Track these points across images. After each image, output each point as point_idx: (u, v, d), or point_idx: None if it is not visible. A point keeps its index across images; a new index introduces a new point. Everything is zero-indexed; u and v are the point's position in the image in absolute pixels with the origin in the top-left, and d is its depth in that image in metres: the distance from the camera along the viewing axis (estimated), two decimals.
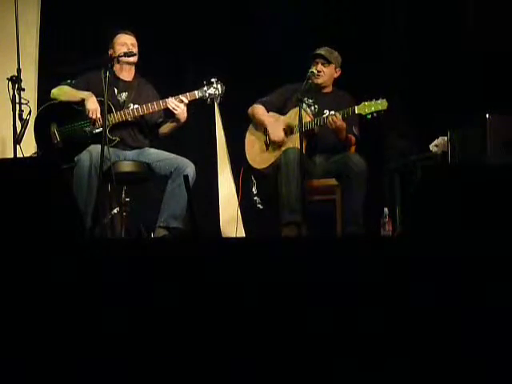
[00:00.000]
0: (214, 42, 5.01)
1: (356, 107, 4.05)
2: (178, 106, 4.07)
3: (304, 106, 4.23)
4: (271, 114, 4.31)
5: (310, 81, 4.13)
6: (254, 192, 4.30)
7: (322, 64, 4.26)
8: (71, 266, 2.05)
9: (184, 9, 5.02)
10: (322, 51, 4.27)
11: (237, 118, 4.79)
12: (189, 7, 5.02)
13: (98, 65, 4.15)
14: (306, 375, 1.96)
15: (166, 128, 4.28)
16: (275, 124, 4.24)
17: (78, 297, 2.02)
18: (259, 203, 4.28)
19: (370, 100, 4.02)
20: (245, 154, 4.38)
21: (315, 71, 4.22)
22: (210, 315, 2.01)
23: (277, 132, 4.21)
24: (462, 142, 4.09)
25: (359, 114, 4.07)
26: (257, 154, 4.32)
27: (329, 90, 4.36)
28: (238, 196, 4.54)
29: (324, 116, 4.14)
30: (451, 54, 4.77)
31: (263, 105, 4.34)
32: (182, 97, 4.08)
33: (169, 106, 4.08)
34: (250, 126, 4.40)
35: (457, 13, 4.84)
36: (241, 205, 4.55)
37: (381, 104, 4.01)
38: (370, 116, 4.02)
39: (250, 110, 4.37)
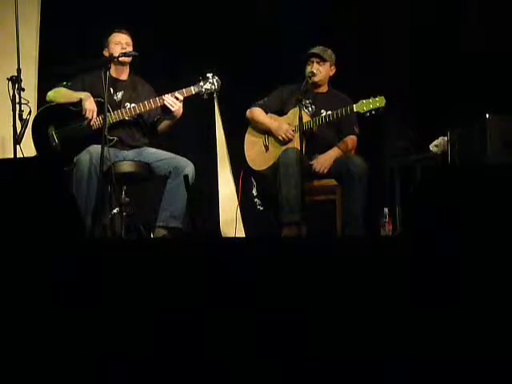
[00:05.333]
0: (214, 42, 5.01)
1: (354, 105, 4.05)
2: (175, 102, 4.06)
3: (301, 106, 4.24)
4: (270, 115, 4.31)
5: (311, 81, 4.13)
6: (254, 194, 4.30)
7: (318, 63, 4.26)
8: (71, 265, 2.05)
9: (184, 8, 5.02)
10: (316, 50, 4.26)
11: (237, 118, 4.79)
12: (188, 6, 5.02)
13: (94, 66, 4.15)
14: (306, 375, 1.96)
15: (163, 125, 4.27)
16: (277, 123, 4.24)
17: (78, 297, 2.02)
18: (259, 205, 4.28)
19: (368, 98, 4.02)
20: (244, 156, 4.38)
21: (315, 71, 4.22)
22: (209, 315, 2.01)
23: (282, 129, 4.19)
24: (462, 141, 4.09)
25: (357, 112, 4.07)
26: (256, 156, 4.32)
27: (324, 89, 4.36)
28: (238, 197, 4.54)
29: (322, 115, 4.15)
30: (451, 54, 4.77)
31: (261, 107, 4.34)
32: (177, 94, 4.07)
33: (166, 103, 4.07)
34: (249, 128, 4.39)
35: (459, 12, 4.84)
36: (241, 205, 4.54)
37: (378, 101, 4.01)
38: (368, 114, 4.02)
39: (248, 113, 4.36)
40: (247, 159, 4.35)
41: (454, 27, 4.83)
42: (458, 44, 4.78)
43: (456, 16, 4.85)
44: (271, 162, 4.19)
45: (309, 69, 4.24)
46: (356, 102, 4.09)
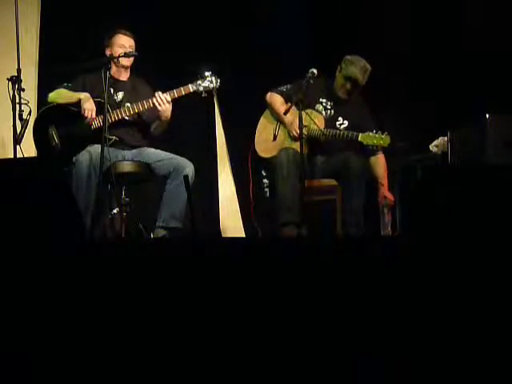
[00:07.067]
0: (215, 41, 5.01)
1: (360, 135, 4.07)
2: (163, 101, 4.05)
3: (321, 107, 4.25)
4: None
5: (311, 81, 4.10)
6: (264, 174, 4.28)
7: (354, 86, 4.24)
8: (71, 265, 2.05)
9: (184, 8, 5.02)
10: (360, 78, 4.19)
11: (237, 118, 4.79)
12: (189, 6, 5.02)
13: (94, 66, 4.16)
14: (305, 375, 1.96)
15: (155, 126, 4.26)
16: (292, 118, 4.17)
17: (78, 297, 2.02)
18: (267, 187, 4.25)
19: (376, 132, 4.06)
20: (248, 145, 4.34)
21: (342, 97, 4.23)
22: (209, 315, 2.01)
23: (294, 126, 4.14)
24: (462, 142, 4.09)
25: (360, 142, 4.09)
26: (263, 141, 4.30)
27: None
28: (238, 186, 4.49)
29: (332, 132, 4.13)
30: (451, 54, 4.77)
31: (282, 95, 4.29)
32: (166, 95, 4.06)
33: (154, 101, 4.06)
34: (266, 111, 4.35)
35: (458, 12, 4.84)
36: (253, 188, 4.46)
37: (383, 140, 4.05)
38: (370, 147, 4.10)
39: (268, 97, 4.32)
40: (255, 141, 4.33)
41: (453, 27, 4.83)
42: (458, 44, 4.78)
43: (456, 16, 4.85)
44: (274, 153, 4.18)
45: (343, 84, 4.22)
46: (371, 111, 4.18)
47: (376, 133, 4.06)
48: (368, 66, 4.22)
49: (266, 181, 4.27)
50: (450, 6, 4.84)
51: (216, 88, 4.16)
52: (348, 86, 4.22)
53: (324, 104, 4.27)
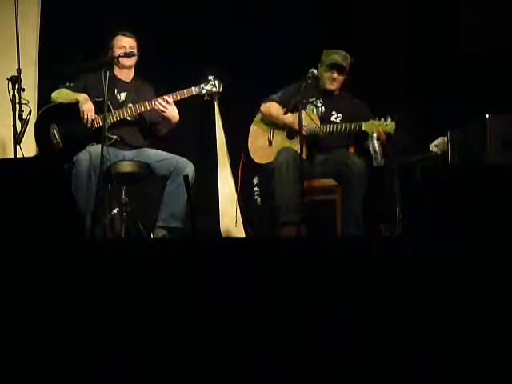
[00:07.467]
0: (215, 42, 5.01)
1: (363, 124, 4.05)
2: (165, 106, 4.07)
3: (312, 107, 4.25)
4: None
5: (310, 81, 4.10)
6: (255, 182, 4.27)
7: (338, 73, 4.24)
8: (71, 265, 2.05)
9: (185, 8, 5.02)
10: (341, 61, 4.21)
11: (236, 118, 4.78)
12: (190, 7, 5.01)
13: (95, 67, 4.16)
14: (304, 375, 1.96)
15: (160, 127, 4.27)
16: (293, 118, 4.16)
17: (78, 297, 2.02)
18: (258, 195, 4.25)
19: (379, 119, 4.04)
20: (245, 146, 4.34)
21: (330, 87, 4.21)
22: (209, 315, 2.01)
23: (296, 124, 4.13)
24: (462, 141, 4.09)
25: (364, 131, 4.07)
26: (259, 148, 4.30)
27: (336, 91, 4.35)
28: (236, 189, 4.51)
29: (331, 127, 4.12)
30: (451, 54, 4.77)
31: (277, 103, 4.28)
32: (167, 97, 4.08)
33: (155, 107, 4.07)
34: (257, 120, 4.35)
35: (456, 12, 4.84)
36: (240, 198, 4.48)
37: (388, 126, 4.03)
38: (375, 135, 4.06)
39: (263, 107, 4.31)
40: (249, 150, 4.32)
41: (452, 27, 4.83)
42: (457, 44, 4.78)
43: (453, 16, 4.85)
44: (272, 158, 4.18)
45: (328, 75, 4.22)
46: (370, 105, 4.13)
47: (379, 120, 4.05)
48: (348, 55, 4.25)
49: (256, 189, 4.27)
50: (449, 6, 4.84)
51: (219, 92, 4.16)
52: (334, 74, 4.24)
53: (314, 103, 4.27)
